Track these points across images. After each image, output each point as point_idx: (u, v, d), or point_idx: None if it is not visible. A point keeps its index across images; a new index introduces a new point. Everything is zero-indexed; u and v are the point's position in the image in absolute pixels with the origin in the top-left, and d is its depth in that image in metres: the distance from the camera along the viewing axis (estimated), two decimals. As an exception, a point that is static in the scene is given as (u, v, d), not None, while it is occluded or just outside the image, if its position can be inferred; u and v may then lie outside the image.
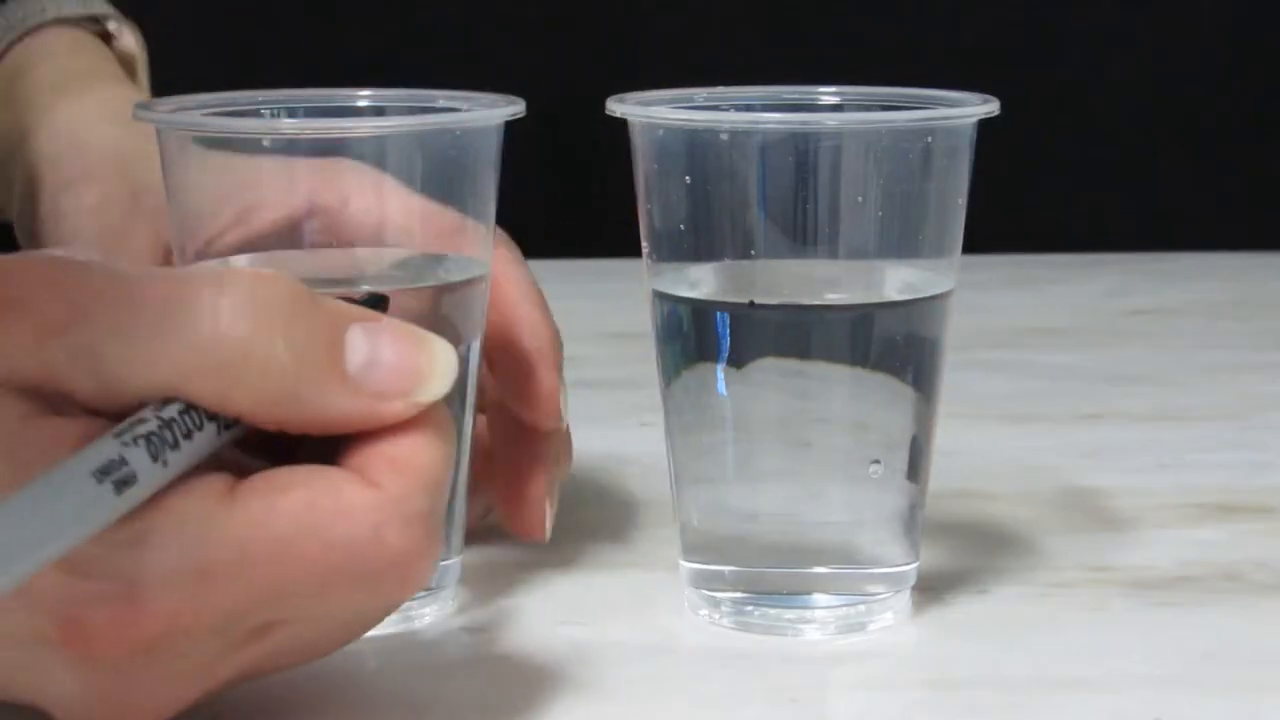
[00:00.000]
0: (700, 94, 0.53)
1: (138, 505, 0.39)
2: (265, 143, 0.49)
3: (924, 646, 0.52)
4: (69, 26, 0.75)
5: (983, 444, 0.71)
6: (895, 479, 0.52)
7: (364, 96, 0.54)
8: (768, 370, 0.51)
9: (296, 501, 0.40)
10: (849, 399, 0.51)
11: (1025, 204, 1.23)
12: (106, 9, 0.76)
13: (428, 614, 0.53)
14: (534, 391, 0.54)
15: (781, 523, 0.52)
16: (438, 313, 0.52)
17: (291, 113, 0.53)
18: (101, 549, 0.38)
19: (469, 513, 0.54)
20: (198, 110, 0.51)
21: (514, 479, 0.55)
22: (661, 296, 0.52)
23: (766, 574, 0.52)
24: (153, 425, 0.39)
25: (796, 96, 0.54)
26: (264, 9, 1.32)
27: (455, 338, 0.52)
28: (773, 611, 0.52)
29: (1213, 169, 1.34)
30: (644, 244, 0.53)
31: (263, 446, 0.42)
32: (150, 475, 0.39)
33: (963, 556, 0.58)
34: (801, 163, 0.50)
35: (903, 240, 0.51)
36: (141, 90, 0.74)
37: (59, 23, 0.74)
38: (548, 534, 0.56)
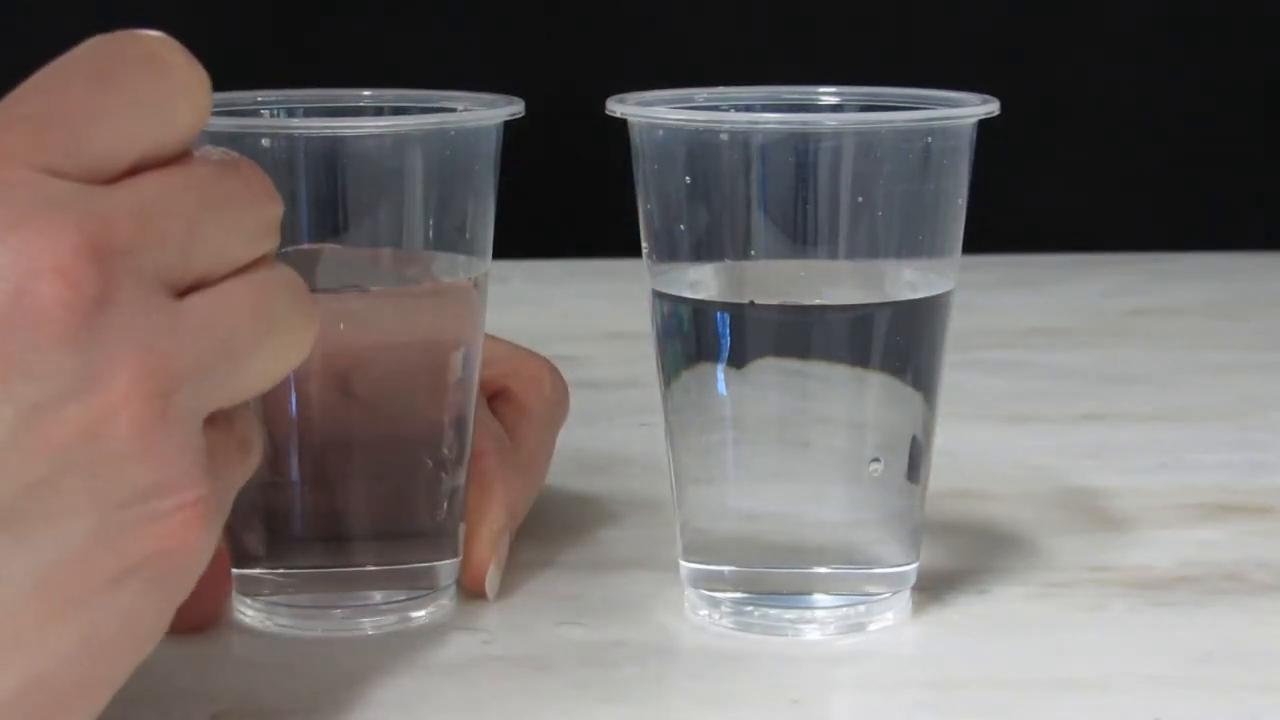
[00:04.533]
0: (700, 94, 0.53)
1: None
2: (265, 142, 0.49)
3: (924, 646, 0.52)
4: None
5: (983, 444, 0.71)
6: (895, 479, 0.52)
7: (364, 97, 0.54)
8: (768, 370, 0.51)
9: None
10: (849, 399, 0.51)
11: (1025, 204, 1.23)
12: None
13: (427, 614, 0.53)
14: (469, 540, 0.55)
15: (781, 523, 0.52)
16: (432, 313, 0.52)
17: (291, 112, 0.53)
18: None
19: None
20: None
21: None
22: (661, 296, 0.52)
23: (766, 574, 0.52)
24: None
25: (796, 96, 0.54)
26: (264, 8, 1.32)
27: (450, 340, 0.52)
28: (773, 611, 0.52)
29: (1212, 169, 1.34)
30: (644, 244, 0.53)
31: None
32: None
33: (963, 556, 0.58)
34: (801, 163, 0.50)
35: (903, 240, 0.51)
36: None
37: None
38: (491, 592, 0.55)
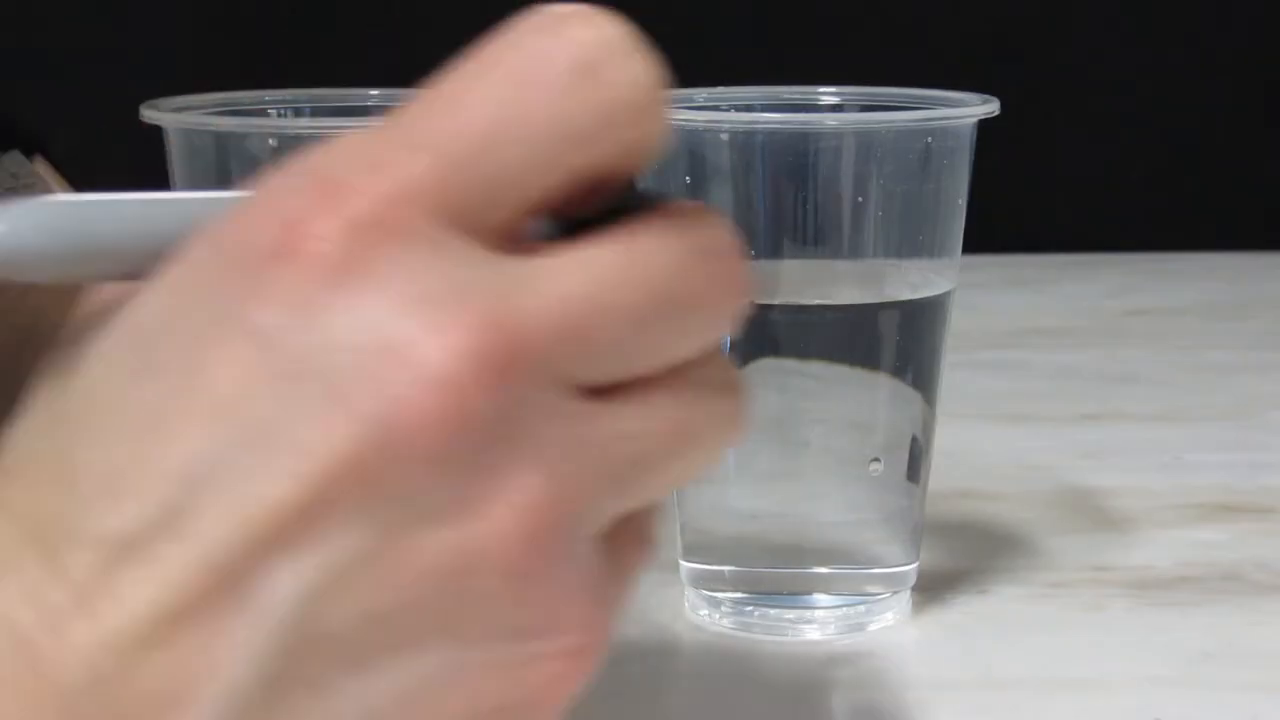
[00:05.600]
0: (700, 94, 0.53)
1: None
2: (271, 142, 0.49)
3: (924, 646, 0.52)
4: None
5: (983, 444, 0.71)
6: (895, 479, 0.52)
7: (372, 96, 0.54)
8: (768, 370, 0.51)
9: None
10: (849, 399, 0.51)
11: (1025, 204, 1.23)
12: None
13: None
14: None
15: (781, 523, 0.52)
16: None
17: (298, 112, 0.53)
18: None
19: None
20: (204, 109, 0.51)
21: None
22: (662, 296, 0.52)
23: (766, 574, 0.52)
24: None
25: (796, 96, 0.54)
26: (272, 8, 1.32)
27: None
28: (773, 611, 0.52)
29: (1213, 169, 1.34)
30: (644, 244, 0.53)
31: None
32: None
33: (963, 556, 0.58)
34: (801, 163, 0.50)
35: (903, 240, 0.51)
36: None
37: None
38: None
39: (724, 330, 0.34)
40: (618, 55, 0.32)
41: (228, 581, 0.30)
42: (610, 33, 0.32)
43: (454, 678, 0.32)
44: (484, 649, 0.32)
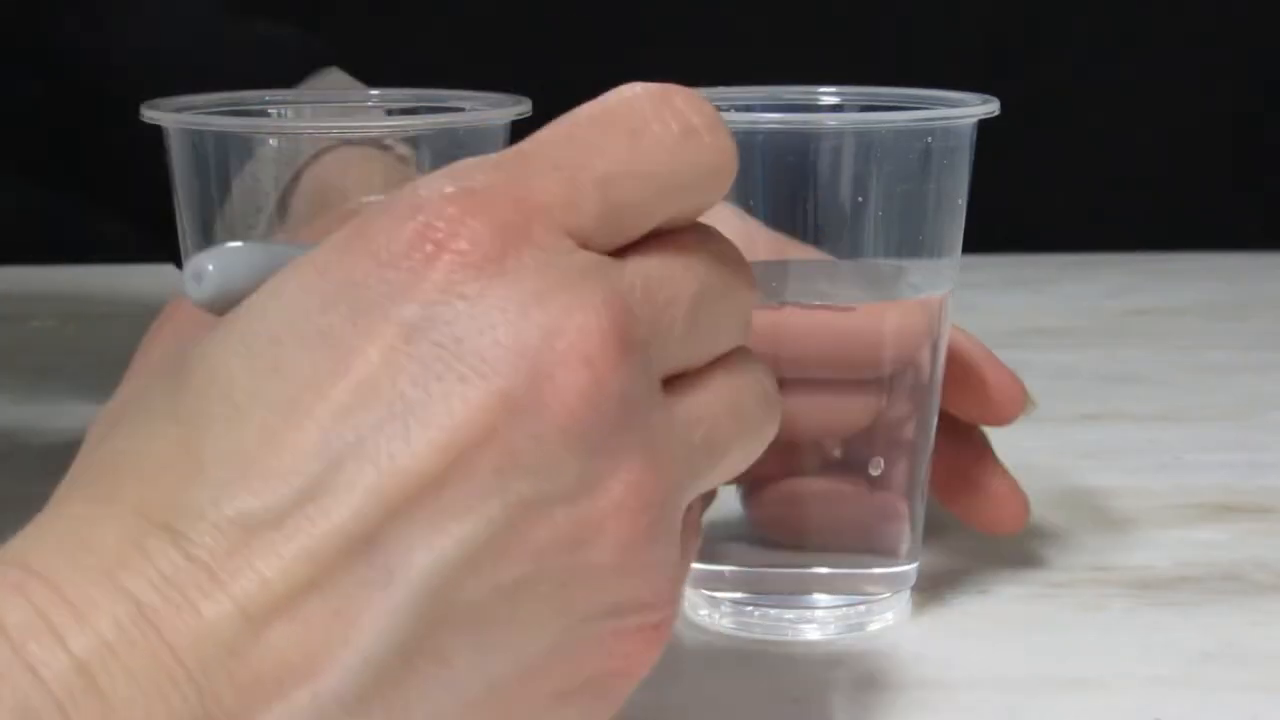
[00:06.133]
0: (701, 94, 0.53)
1: None
2: (272, 142, 0.49)
3: (924, 646, 0.52)
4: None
5: (983, 444, 0.71)
6: (895, 479, 0.52)
7: (372, 97, 0.54)
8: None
9: None
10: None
11: (1025, 204, 1.23)
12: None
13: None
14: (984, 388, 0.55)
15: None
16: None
17: (298, 112, 0.53)
18: None
19: None
20: (204, 109, 0.51)
21: (973, 481, 0.55)
22: (662, 296, 0.52)
23: (766, 574, 0.52)
24: None
25: (796, 96, 0.54)
26: (271, 7, 1.32)
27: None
28: (773, 612, 0.52)
29: (1213, 169, 1.34)
30: (645, 244, 0.53)
31: None
32: None
33: (963, 556, 0.58)
34: (801, 163, 0.50)
35: (903, 240, 0.51)
36: None
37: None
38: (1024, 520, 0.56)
39: (747, 320, 0.39)
40: (713, 126, 0.37)
41: (365, 552, 0.32)
42: (706, 108, 0.37)
43: (561, 652, 0.35)
44: (587, 624, 0.35)
